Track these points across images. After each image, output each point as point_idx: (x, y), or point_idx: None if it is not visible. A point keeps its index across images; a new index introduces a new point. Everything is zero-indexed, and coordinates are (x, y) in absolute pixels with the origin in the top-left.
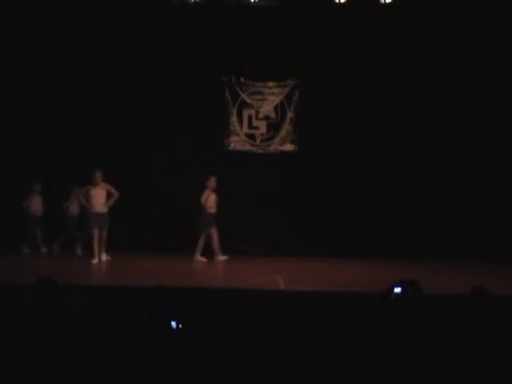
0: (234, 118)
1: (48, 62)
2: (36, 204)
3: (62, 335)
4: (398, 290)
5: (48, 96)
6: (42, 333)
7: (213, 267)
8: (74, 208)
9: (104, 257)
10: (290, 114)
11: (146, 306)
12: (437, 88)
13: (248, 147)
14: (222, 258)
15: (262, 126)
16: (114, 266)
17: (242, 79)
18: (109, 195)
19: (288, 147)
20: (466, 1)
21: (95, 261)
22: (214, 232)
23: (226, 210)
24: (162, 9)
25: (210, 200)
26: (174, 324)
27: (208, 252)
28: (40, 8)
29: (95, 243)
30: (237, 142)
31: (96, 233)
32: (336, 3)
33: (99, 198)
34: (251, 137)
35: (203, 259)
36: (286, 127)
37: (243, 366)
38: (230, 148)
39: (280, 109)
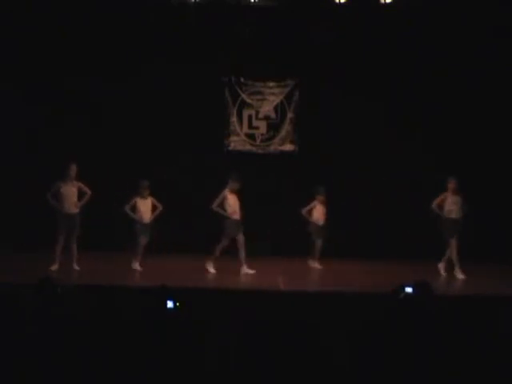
0: (233, 118)
1: (47, 61)
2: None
3: (62, 335)
4: (409, 289)
5: (48, 96)
6: (41, 333)
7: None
8: (318, 214)
9: (77, 267)
10: (289, 114)
11: (146, 306)
12: (437, 88)
13: (248, 147)
14: (460, 275)
15: (262, 126)
16: (113, 265)
17: (242, 79)
18: (80, 194)
19: (288, 147)
20: (466, 1)
21: (55, 267)
22: (454, 242)
23: None
24: (162, 9)
25: (448, 203)
26: (170, 304)
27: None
28: (39, 8)
29: (58, 248)
30: (237, 142)
31: (62, 238)
32: (336, 3)
33: (71, 197)
34: (251, 137)
35: (444, 272)
36: (286, 127)
37: (243, 366)
38: (230, 148)
39: (280, 109)
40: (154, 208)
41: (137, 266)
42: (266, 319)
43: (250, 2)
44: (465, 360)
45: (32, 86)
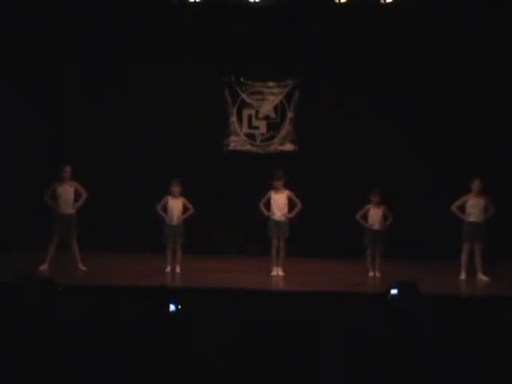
0: (233, 118)
1: (46, 60)
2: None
3: (62, 335)
4: (394, 291)
5: (48, 95)
6: (42, 333)
7: (212, 267)
8: (372, 218)
9: (83, 267)
10: (289, 114)
11: (146, 307)
12: (437, 88)
13: (248, 147)
14: (462, 277)
15: (262, 126)
16: (113, 265)
17: (242, 79)
18: (77, 195)
19: (288, 147)
20: (467, 1)
21: (43, 267)
22: (466, 246)
23: (225, 210)
24: (162, 8)
25: (468, 206)
26: (172, 307)
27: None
28: (38, 7)
29: (51, 249)
30: (237, 142)
31: (56, 239)
32: (336, 3)
33: (66, 197)
34: (251, 137)
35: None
36: (286, 127)
37: (243, 366)
38: (230, 148)
39: (280, 109)
40: (184, 209)
41: (168, 268)
42: (266, 319)
43: (249, 1)
44: (463, 360)
45: (31, 85)
